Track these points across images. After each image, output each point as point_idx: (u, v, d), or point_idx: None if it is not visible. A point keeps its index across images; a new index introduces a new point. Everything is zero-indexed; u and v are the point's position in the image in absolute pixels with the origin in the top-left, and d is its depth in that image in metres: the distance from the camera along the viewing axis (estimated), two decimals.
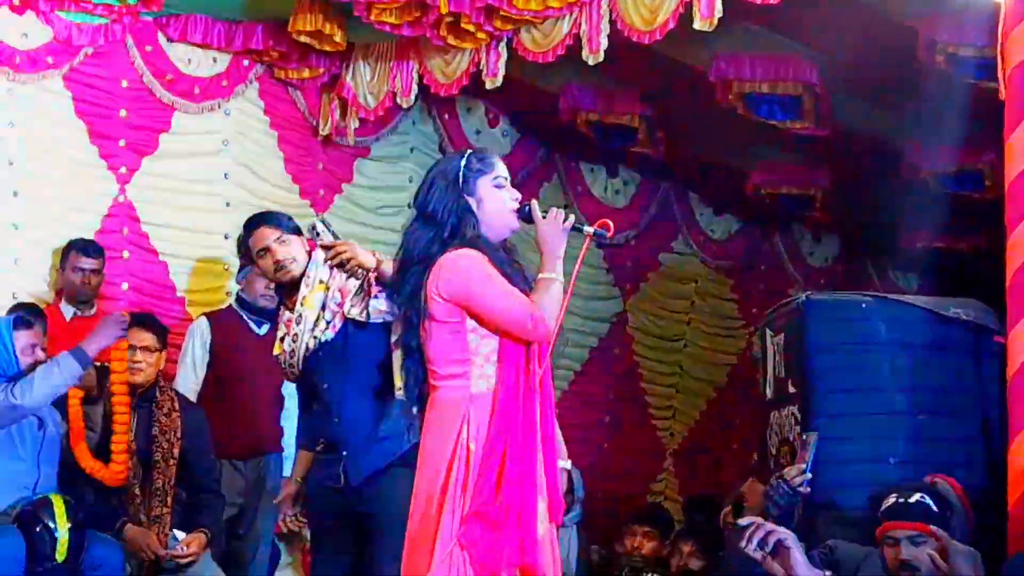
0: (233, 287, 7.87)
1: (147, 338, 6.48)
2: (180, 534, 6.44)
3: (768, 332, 6.99)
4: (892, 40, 6.99)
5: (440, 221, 4.30)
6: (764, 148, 9.26)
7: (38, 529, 5.94)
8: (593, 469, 9.76)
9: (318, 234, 5.32)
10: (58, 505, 6.04)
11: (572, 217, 4.35)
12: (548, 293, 4.21)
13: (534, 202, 4.39)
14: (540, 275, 4.27)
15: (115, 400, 6.47)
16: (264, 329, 7.24)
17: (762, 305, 8.86)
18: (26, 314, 6.74)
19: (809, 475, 5.77)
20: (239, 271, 7.53)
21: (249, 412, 7.02)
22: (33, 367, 6.27)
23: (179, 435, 6.50)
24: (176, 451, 6.45)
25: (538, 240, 4.32)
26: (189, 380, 7.26)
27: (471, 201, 4.32)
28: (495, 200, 4.34)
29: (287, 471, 7.14)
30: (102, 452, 6.47)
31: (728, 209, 10.91)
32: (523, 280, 4.33)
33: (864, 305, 6.58)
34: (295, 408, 7.08)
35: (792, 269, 11.15)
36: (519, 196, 4.42)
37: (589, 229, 4.37)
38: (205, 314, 7.50)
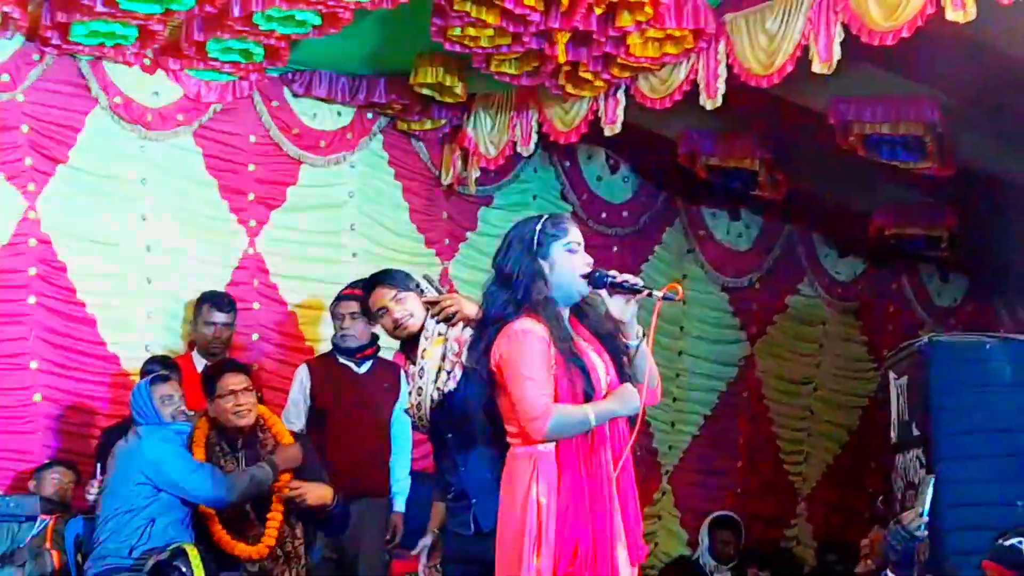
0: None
1: (243, 380, 6.43)
2: None
3: (891, 375, 6.92)
4: (1014, 75, 6.89)
5: (515, 283, 4.38)
6: (887, 188, 9.15)
7: None
8: None
9: (423, 291, 5.41)
10: (193, 554, 6.09)
11: (633, 280, 4.36)
12: (572, 416, 4.22)
13: (611, 273, 4.39)
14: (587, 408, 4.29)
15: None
16: (365, 367, 7.31)
17: (891, 346, 8.75)
18: (162, 368, 6.95)
19: (926, 519, 5.69)
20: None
21: (351, 454, 6.97)
22: (173, 417, 6.47)
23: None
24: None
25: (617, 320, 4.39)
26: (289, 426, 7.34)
27: (544, 265, 4.38)
28: (566, 265, 4.39)
29: (399, 506, 7.26)
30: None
31: (853, 250, 10.79)
32: (573, 358, 4.32)
33: (988, 346, 6.51)
34: (405, 450, 7.17)
35: (920, 310, 10.99)
36: (591, 261, 4.45)
37: (658, 294, 4.36)
38: (307, 361, 7.57)
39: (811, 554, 10.28)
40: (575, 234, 4.45)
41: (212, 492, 6.18)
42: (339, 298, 7.32)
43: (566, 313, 4.44)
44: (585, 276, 4.40)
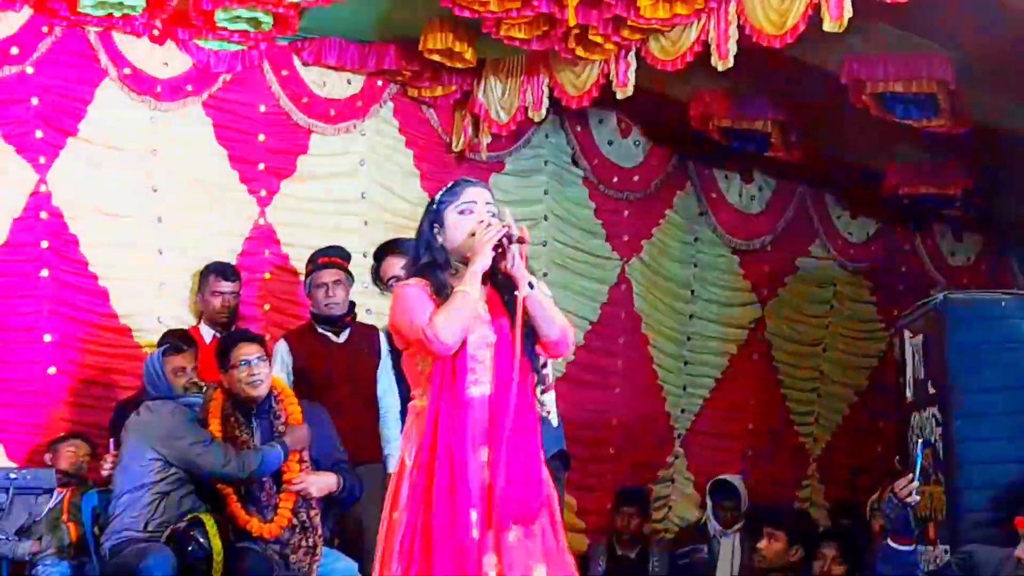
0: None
1: (257, 350, 6.41)
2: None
3: (907, 333, 6.91)
4: None
5: (413, 256, 4.61)
6: (900, 147, 9.13)
7: (191, 548, 6.07)
8: (741, 477, 9.73)
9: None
10: (210, 523, 6.15)
11: (502, 231, 4.39)
12: (447, 305, 4.33)
13: (481, 222, 4.44)
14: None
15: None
16: (344, 336, 7.29)
17: (902, 307, 8.73)
18: (177, 340, 6.95)
19: (916, 485, 5.67)
20: (305, 284, 7.48)
21: (340, 424, 6.83)
22: (185, 389, 6.53)
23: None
24: (305, 455, 6.42)
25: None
26: None
27: (439, 230, 4.49)
28: (455, 227, 4.47)
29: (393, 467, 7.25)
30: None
31: (865, 211, 10.75)
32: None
33: (1004, 304, 6.50)
34: (394, 410, 7.12)
35: (933, 269, 10.96)
36: (483, 219, 4.46)
37: (515, 234, 4.41)
38: (284, 335, 7.50)
39: (824, 515, 10.29)
40: (471, 194, 4.52)
41: (223, 468, 6.18)
42: (320, 266, 7.29)
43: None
44: (472, 234, 4.46)
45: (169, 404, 6.41)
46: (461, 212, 4.48)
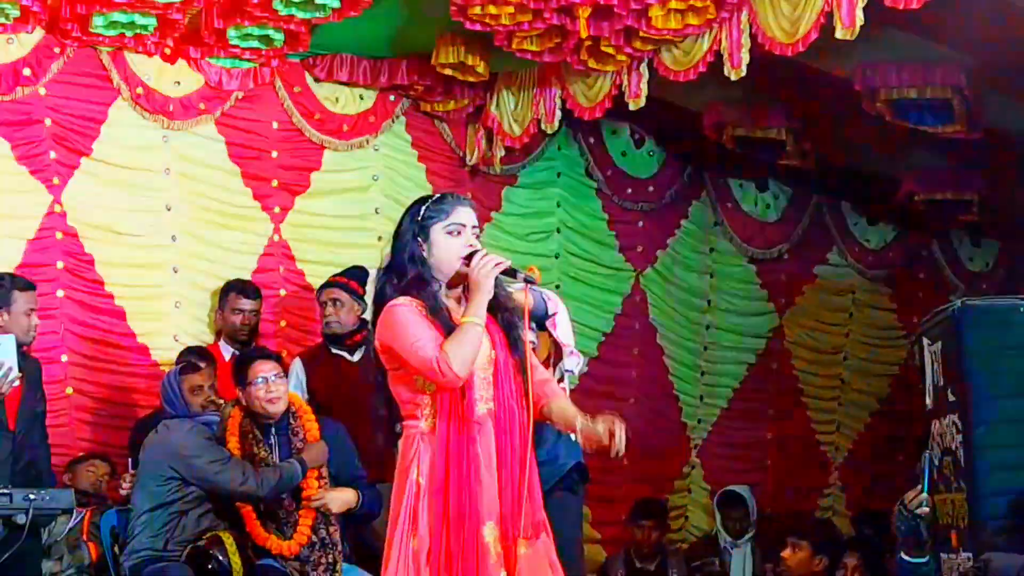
0: None
1: (274, 367, 6.39)
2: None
3: (925, 341, 6.88)
4: None
5: (397, 265, 4.46)
6: (915, 153, 9.10)
7: (210, 566, 6.07)
8: (760, 486, 9.71)
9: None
10: (229, 541, 6.15)
11: (503, 264, 4.40)
12: (460, 337, 4.28)
13: (479, 251, 4.42)
14: (461, 318, 4.35)
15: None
16: (358, 355, 7.30)
17: (922, 314, 8.69)
18: (194, 358, 6.95)
19: (925, 496, 5.63)
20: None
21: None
22: (203, 407, 6.52)
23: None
24: (324, 472, 6.41)
25: (469, 284, 4.41)
26: None
27: (424, 246, 4.43)
28: (444, 247, 4.42)
29: None
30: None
31: (882, 217, 10.72)
32: (449, 327, 4.39)
33: (1022, 309, 6.45)
34: None
35: (952, 275, 10.92)
36: (472, 243, 4.46)
37: (522, 274, 4.45)
38: (299, 355, 7.54)
39: (846, 523, 10.25)
40: (459, 215, 4.47)
41: (240, 487, 6.16)
42: (323, 285, 7.37)
43: (453, 293, 4.49)
44: (465, 258, 4.42)
45: (186, 423, 6.40)
46: (449, 232, 4.43)
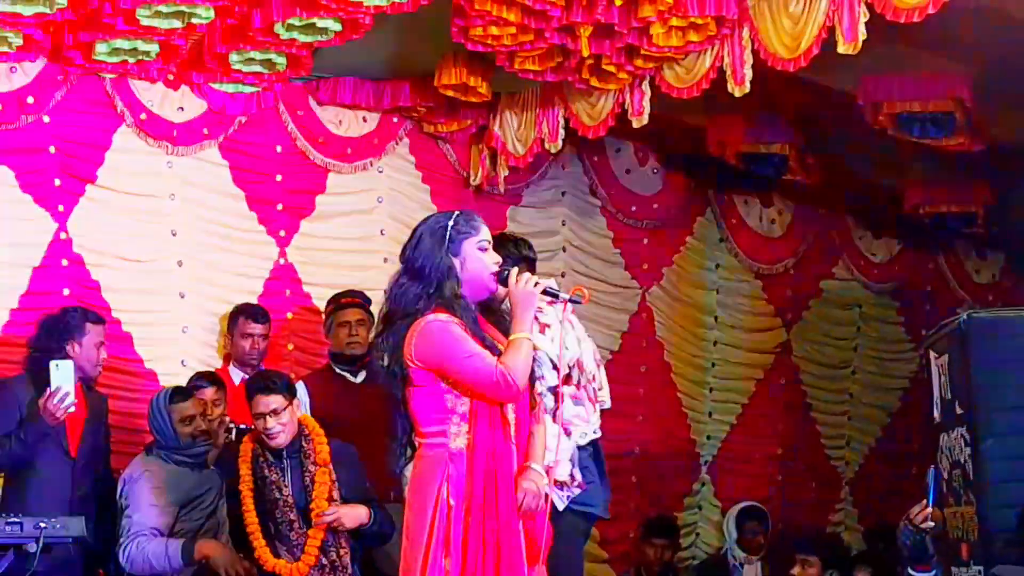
0: None
1: (273, 401, 6.28)
2: None
3: (932, 353, 6.87)
4: None
5: (427, 277, 4.46)
6: (919, 166, 9.11)
7: None
8: (770, 502, 9.69)
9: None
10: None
11: (544, 283, 4.50)
12: (517, 352, 4.34)
13: (514, 269, 4.51)
14: (511, 335, 4.40)
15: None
16: (361, 376, 7.32)
17: (929, 326, 8.69)
18: (209, 383, 6.96)
19: (931, 511, 5.62)
20: (326, 325, 7.56)
21: None
22: (193, 437, 6.54)
23: (333, 478, 6.41)
24: (334, 494, 6.38)
25: (511, 302, 4.46)
26: None
27: (455, 261, 4.46)
28: (477, 262, 4.47)
29: None
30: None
31: (888, 231, 10.73)
32: (492, 346, 4.46)
33: None
34: None
35: (958, 288, 10.91)
36: (500, 260, 4.55)
37: (565, 295, 4.53)
38: (303, 378, 7.49)
39: (858, 538, 10.23)
40: (486, 233, 4.56)
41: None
42: (343, 305, 7.38)
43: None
44: (495, 274, 4.48)
45: (156, 460, 6.54)
46: (481, 248, 4.49)
